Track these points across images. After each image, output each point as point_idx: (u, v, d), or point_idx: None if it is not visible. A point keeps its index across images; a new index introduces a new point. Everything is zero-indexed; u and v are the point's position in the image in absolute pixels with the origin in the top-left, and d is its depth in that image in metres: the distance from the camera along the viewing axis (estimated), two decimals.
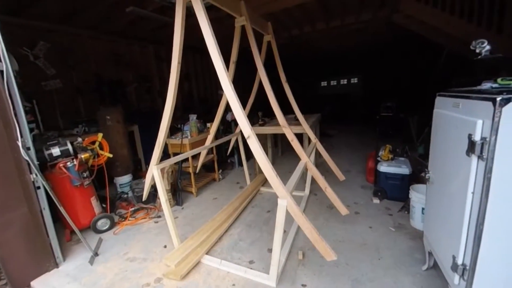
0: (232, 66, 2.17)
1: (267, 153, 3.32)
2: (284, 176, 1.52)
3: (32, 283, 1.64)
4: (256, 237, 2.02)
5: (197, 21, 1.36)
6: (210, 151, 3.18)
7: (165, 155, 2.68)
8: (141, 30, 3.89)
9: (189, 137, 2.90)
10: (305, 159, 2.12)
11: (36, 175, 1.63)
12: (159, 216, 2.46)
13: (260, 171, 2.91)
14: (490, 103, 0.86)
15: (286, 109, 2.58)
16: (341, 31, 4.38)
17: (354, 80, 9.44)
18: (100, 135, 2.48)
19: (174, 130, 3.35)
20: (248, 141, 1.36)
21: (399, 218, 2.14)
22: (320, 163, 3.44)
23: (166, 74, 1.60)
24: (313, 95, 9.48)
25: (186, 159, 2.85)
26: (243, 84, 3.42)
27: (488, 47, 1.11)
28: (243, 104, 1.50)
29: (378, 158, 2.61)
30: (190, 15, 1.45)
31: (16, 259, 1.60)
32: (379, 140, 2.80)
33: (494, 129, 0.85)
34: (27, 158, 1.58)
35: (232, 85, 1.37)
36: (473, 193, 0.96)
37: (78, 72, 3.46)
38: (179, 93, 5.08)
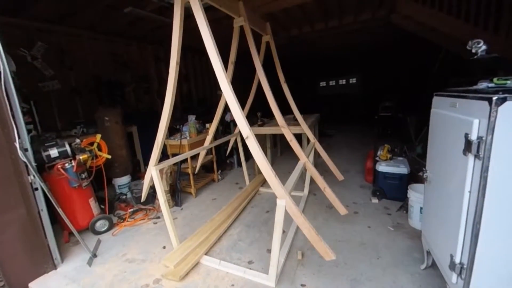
0: (230, 66, 2.17)
1: (266, 154, 3.33)
2: (283, 176, 1.52)
3: (30, 284, 1.63)
4: (255, 237, 2.02)
5: (195, 22, 1.37)
6: (209, 151, 3.18)
7: (164, 156, 2.68)
8: (139, 31, 3.88)
9: (188, 137, 2.90)
10: (304, 159, 2.12)
11: (34, 176, 1.63)
12: (158, 217, 2.46)
13: (259, 172, 2.91)
14: (486, 103, 0.87)
15: (285, 110, 2.59)
16: (340, 31, 4.39)
17: (353, 80, 9.48)
18: (99, 136, 2.47)
19: (173, 130, 3.34)
20: (247, 142, 1.36)
21: (398, 218, 2.14)
22: (319, 163, 3.44)
23: (165, 74, 1.60)
24: (312, 95, 9.51)
25: (185, 160, 2.85)
26: (242, 84, 3.42)
27: (484, 47, 1.12)
28: (242, 104, 1.50)
29: (377, 158, 2.62)
30: (188, 15, 1.45)
31: (13, 261, 1.59)
32: (378, 140, 2.81)
33: (490, 128, 0.86)
34: (24, 159, 1.57)
35: (231, 85, 1.37)
36: (470, 192, 0.96)
37: (76, 72, 3.45)
38: (178, 94, 5.09)
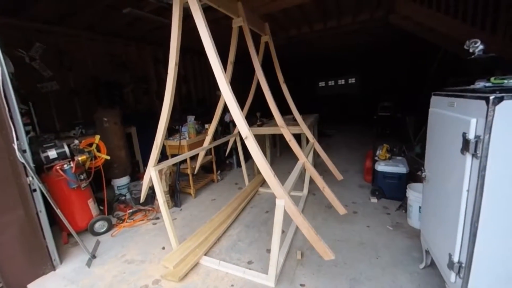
0: (229, 66, 2.17)
1: (265, 154, 3.32)
2: (282, 177, 1.52)
3: (29, 286, 1.63)
4: (254, 237, 2.02)
5: (194, 23, 1.37)
6: (208, 152, 3.18)
7: (163, 156, 2.68)
8: (138, 31, 3.88)
9: (187, 138, 2.90)
10: (303, 159, 2.12)
11: (32, 177, 1.62)
12: (157, 218, 2.45)
13: (259, 172, 2.91)
14: (483, 102, 0.87)
15: (284, 110, 2.59)
16: (339, 32, 4.41)
17: (352, 81, 9.50)
18: (97, 137, 2.47)
19: (172, 131, 3.34)
20: (246, 142, 1.36)
21: (397, 217, 2.15)
22: (318, 163, 3.45)
23: (164, 75, 1.60)
24: (311, 96, 9.52)
25: (184, 161, 2.85)
26: (241, 85, 3.42)
27: (481, 47, 1.13)
28: (241, 105, 1.50)
29: (376, 158, 2.63)
30: (187, 16, 1.45)
31: (12, 262, 1.59)
32: (377, 139, 2.82)
33: (488, 127, 0.87)
34: (23, 160, 1.57)
35: (230, 86, 1.37)
36: (468, 191, 0.97)
37: (75, 73, 3.44)
38: (177, 95, 5.08)
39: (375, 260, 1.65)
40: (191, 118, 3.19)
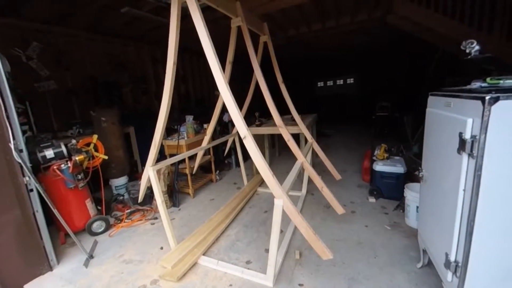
0: (228, 66, 2.17)
1: (264, 154, 3.33)
2: (281, 176, 1.53)
3: (25, 286, 1.62)
4: (253, 237, 2.02)
5: (193, 23, 1.36)
6: (207, 152, 3.17)
7: (161, 156, 2.67)
8: (136, 31, 3.87)
9: (185, 138, 2.89)
10: (302, 159, 2.13)
11: (29, 177, 1.61)
12: (156, 218, 2.45)
13: (257, 172, 2.91)
14: (479, 102, 0.88)
15: (283, 110, 2.59)
16: (337, 32, 4.42)
17: (350, 81, 9.53)
18: (95, 136, 2.46)
19: (170, 131, 3.33)
20: (244, 141, 1.36)
21: (395, 217, 2.16)
22: (317, 163, 3.45)
23: (163, 75, 1.60)
24: (309, 96, 9.54)
25: (183, 160, 2.85)
26: (240, 84, 3.42)
27: (477, 47, 1.14)
28: (240, 104, 1.50)
29: (374, 158, 2.64)
30: (186, 15, 1.45)
31: (8, 263, 1.57)
32: (375, 139, 2.83)
33: (484, 127, 0.87)
34: (19, 160, 1.56)
35: (228, 85, 1.37)
36: (464, 190, 0.97)
37: (72, 73, 3.42)
38: (175, 95, 5.07)
39: (373, 260, 1.66)
40: (189, 118, 3.19)
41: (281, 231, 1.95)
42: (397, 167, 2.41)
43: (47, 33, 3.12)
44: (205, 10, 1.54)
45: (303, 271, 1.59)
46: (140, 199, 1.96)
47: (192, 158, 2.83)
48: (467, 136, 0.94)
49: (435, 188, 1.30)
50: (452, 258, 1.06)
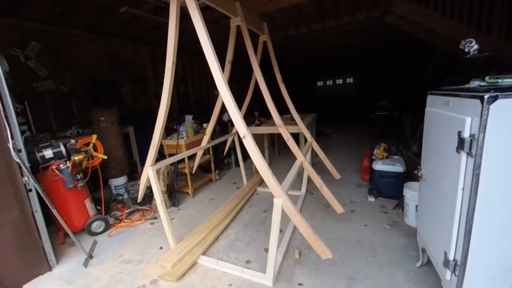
0: (227, 66, 2.17)
1: (263, 153, 3.33)
2: (281, 176, 1.52)
3: (24, 286, 1.61)
4: (252, 237, 2.02)
5: (192, 23, 1.36)
6: (206, 151, 3.17)
7: (161, 156, 2.66)
8: (136, 31, 3.86)
9: (185, 138, 2.89)
10: (301, 158, 2.13)
11: (27, 177, 1.61)
12: (155, 218, 2.44)
13: (257, 171, 2.91)
14: (478, 101, 0.88)
15: (282, 109, 2.59)
16: (337, 32, 4.43)
17: (350, 80, 9.54)
18: (94, 136, 2.45)
19: (170, 131, 3.33)
20: (244, 141, 1.36)
21: (394, 216, 2.16)
22: (316, 162, 3.46)
23: (162, 75, 1.59)
24: (309, 95, 9.55)
25: (182, 160, 2.84)
26: (239, 84, 3.42)
27: (476, 46, 1.14)
28: (239, 104, 1.50)
29: (373, 157, 2.64)
30: (185, 15, 1.44)
31: (7, 263, 1.57)
32: (374, 139, 2.83)
33: (482, 126, 0.87)
34: (18, 160, 1.55)
35: (227, 85, 1.37)
36: (463, 189, 0.98)
37: (71, 73, 3.41)
38: (175, 94, 5.06)
39: (372, 259, 1.66)
40: (189, 118, 3.18)
41: (281, 231, 1.95)
42: (396, 166, 2.42)
43: (46, 33, 3.11)
44: (204, 10, 1.53)
45: (303, 271, 1.60)
46: (139, 199, 1.96)
47: (192, 157, 2.82)
48: (466, 135, 0.94)
49: (434, 187, 1.30)
50: (451, 257, 1.06)
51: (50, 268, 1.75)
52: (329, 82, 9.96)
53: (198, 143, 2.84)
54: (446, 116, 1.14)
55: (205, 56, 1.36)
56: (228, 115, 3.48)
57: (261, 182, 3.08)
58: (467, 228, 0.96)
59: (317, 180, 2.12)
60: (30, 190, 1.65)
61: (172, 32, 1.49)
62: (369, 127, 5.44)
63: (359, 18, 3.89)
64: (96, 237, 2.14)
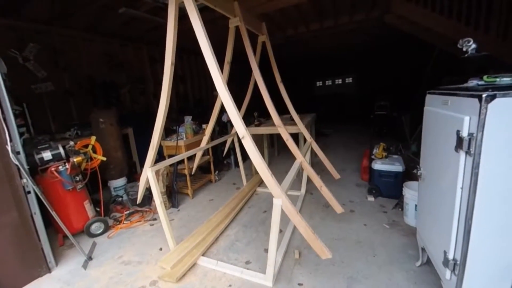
0: (226, 66, 2.17)
1: (263, 154, 3.33)
2: (280, 176, 1.52)
3: None
4: (252, 237, 2.02)
5: (191, 23, 1.36)
6: (206, 152, 3.17)
7: (160, 157, 2.66)
8: (134, 31, 3.86)
9: (184, 138, 2.88)
10: (301, 158, 2.13)
11: (26, 179, 1.60)
12: (155, 219, 2.44)
13: (257, 172, 2.91)
14: (476, 100, 0.88)
15: (282, 109, 2.59)
16: (336, 32, 4.43)
17: (349, 80, 9.55)
18: (93, 138, 2.45)
19: (169, 131, 3.32)
20: (243, 142, 1.36)
21: (393, 215, 2.16)
22: (315, 162, 3.46)
23: (161, 75, 1.59)
24: (308, 95, 9.55)
25: (182, 161, 2.84)
26: (238, 85, 3.42)
27: (474, 46, 1.14)
28: (239, 105, 1.50)
29: (372, 156, 2.64)
30: (183, 16, 1.44)
31: (6, 265, 1.57)
32: (374, 138, 2.83)
33: (481, 125, 0.88)
34: (16, 162, 1.55)
35: (226, 86, 1.37)
36: (461, 188, 0.98)
37: (70, 74, 3.41)
38: (174, 95, 5.06)
39: (371, 258, 1.66)
40: (188, 119, 3.18)
41: (280, 231, 1.95)
42: (395, 166, 2.42)
43: (44, 34, 3.11)
44: (203, 10, 1.54)
45: (303, 271, 1.59)
46: (138, 200, 1.96)
47: (191, 158, 2.82)
48: (465, 134, 0.94)
49: (433, 186, 1.30)
50: (450, 256, 1.06)
51: (49, 270, 1.74)
52: (328, 82, 9.96)
53: (197, 144, 2.84)
54: (444, 115, 1.15)
55: (204, 56, 1.36)
56: (228, 116, 3.48)
57: (261, 183, 3.08)
58: (466, 227, 0.96)
59: (317, 180, 2.12)
60: (29, 192, 1.64)
61: (170, 33, 1.49)
62: (368, 126, 5.43)
63: (358, 18, 3.90)
64: (95, 239, 2.14)
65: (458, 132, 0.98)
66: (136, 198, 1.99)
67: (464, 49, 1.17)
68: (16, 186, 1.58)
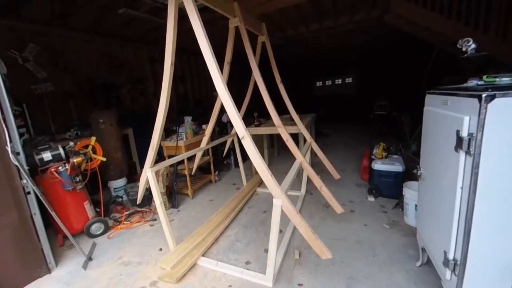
0: (226, 67, 2.17)
1: (262, 154, 3.33)
2: (280, 176, 1.52)
3: None
4: (252, 237, 2.02)
5: (190, 23, 1.36)
6: (206, 152, 3.17)
7: (160, 157, 2.66)
8: (134, 32, 3.86)
9: (184, 139, 2.88)
10: (301, 158, 2.13)
11: (26, 180, 1.60)
12: (155, 219, 2.44)
13: (257, 172, 2.91)
14: (476, 100, 0.88)
15: (281, 110, 2.60)
16: (335, 32, 4.43)
17: (349, 80, 9.55)
18: (93, 138, 2.45)
19: (169, 132, 3.32)
20: (243, 142, 1.36)
21: (393, 215, 2.16)
22: (315, 163, 3.46)
23: (161, 76, 1.59)
24: (308, 95, 9.55)
25: (182, 161, 2.84)
26: (238, 85, 3.42)
27: (473, 46, 1.14)
28: (238, 105, 1.50)
29: (372, 156, 2.64)
30: (183, 16, 1.44)
31: (6, 265, 1.56)
32: (373, 138, 2.83)
33: (481, 125, 0.88)
34: (16, 163, 1.55)
35: (226, 86, 1.37)
36: (461, 188, 0.98)
37: (70, 74, 3.41)
38: (173, 95, 5.06)
39: (372, 259, 1.66)
40: (188, 119, 3.18)
41: (280, 231, 1.95)
42: (395, 166, 2.42)
43: (44, 35, 3.11)
44: (203, 11, 1.54)
45: (303, 271, 1.59)
46: (138, 200, 1.96)
47: (191, 159, 2.82)
48: (464, 134, 0.94)
49: (433, 186, 1.30)
50: (450, 256, 1.06)
51: (49, 271, 1.74)
52: (328, 82, 9.96)
53: (197, 144, 2.84)
54: (444, 115, 1.15)
55: (203, 57, 1.36)
56: (227, 116, 3.48)
57: (261, 183, 3.08)
58: (466, 227, 0.96)
59: (317, 180, 2.12)
60: (29, 192, 1.64)
61: (170, 33, 1.49)
62: (368, 126, 5.44)
63: (358, 18, 3.90)
64: (95, 239, 2.14)
65: (458, 132, 0.98)
66: (136, 199, 1.99)
67: (464, 49, 1.17)
68: (16, 186, 1.58)
